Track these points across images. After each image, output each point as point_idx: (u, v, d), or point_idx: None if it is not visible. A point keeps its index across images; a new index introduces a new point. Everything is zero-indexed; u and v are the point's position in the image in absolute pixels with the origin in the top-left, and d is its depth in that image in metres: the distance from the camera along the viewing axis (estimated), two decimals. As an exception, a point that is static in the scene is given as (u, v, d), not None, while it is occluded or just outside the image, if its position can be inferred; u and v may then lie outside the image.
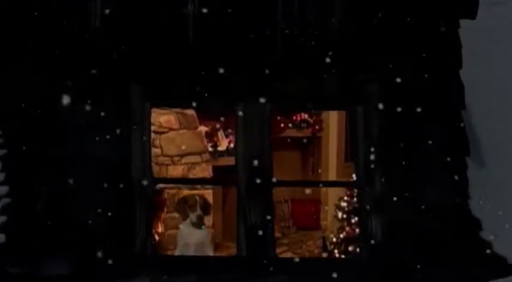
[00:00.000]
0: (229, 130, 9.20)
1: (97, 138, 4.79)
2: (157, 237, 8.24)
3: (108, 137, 4.77)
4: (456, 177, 4.74)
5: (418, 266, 4.75)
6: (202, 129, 9.05)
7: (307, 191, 9.89)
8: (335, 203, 9.31)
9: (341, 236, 9.11)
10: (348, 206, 9.18)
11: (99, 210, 4.78)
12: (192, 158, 8.78)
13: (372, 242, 4.80)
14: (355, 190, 8.84)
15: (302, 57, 4.78)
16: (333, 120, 10.19)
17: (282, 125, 9.57)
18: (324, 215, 10.24)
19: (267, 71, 4.75)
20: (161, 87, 4.86)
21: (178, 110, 8.57)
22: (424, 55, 4.78)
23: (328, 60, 4.72)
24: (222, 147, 9.26)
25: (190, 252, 6.24)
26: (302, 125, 10.18)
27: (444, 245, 4.76)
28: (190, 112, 8.72)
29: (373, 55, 4.79)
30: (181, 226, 6.72)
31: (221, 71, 4.71)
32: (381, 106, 4.78)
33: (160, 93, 4.86)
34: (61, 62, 4.81)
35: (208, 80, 4.82)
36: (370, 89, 4.83)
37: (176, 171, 8.63)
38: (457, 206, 4.76)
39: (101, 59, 4.80)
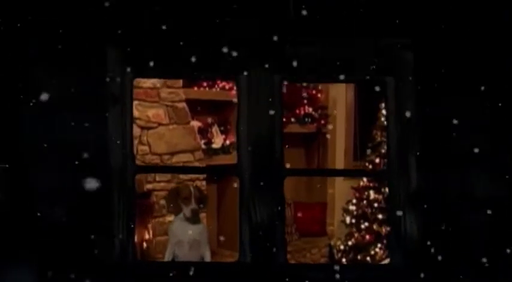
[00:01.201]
0: (227, 127, 8.91)
1: (67, 117, 3.96)
2: (144, 245, 7.87)
3: (80, 115, 3.95)
4: (510, 167, 3.92)
5: (461, 276, 3.95)
6: (195, 124, 8.55)
7: (311, 193, 9.71)
8: (343, 207, 8.95)
9: (349, 243, 8.68)
10: (356, 210, 8.77)
11: (69, 207, 3.98)
12: (184, 157, 8.32)
13: (405, 245, 3.98)
14: (365, 193, 8.70)
15: (319, 17, 3.93)
16: (341, 114, 9.84)
17: (284, 119, 9.07)
18: (330, 220, 9.94)
19: (277, 34, 3.90)
20: (145, 52, 3.98)
21: (168, 103, 8.13)
22: (471, 16, 3.94)
23: (352, 20, 3.90)
24: (216, 144, 8.79)
25: (184, 251, 5.79)
26: (306, 119, 9.74)
27: (495, 249, 3.96)
28: (182, 105, 8.32)
29: (409, 15, 3.94)
30: (172, 222, 6.11)
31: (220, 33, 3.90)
32: (417, 78, 3.95)
33: (145, 60, 3.98)
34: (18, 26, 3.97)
35: (204, 43, 3.96)
36: (405, 56, 3.96)
37: (166, 170, 8.05)
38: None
39: (70, 18, 3.94)
